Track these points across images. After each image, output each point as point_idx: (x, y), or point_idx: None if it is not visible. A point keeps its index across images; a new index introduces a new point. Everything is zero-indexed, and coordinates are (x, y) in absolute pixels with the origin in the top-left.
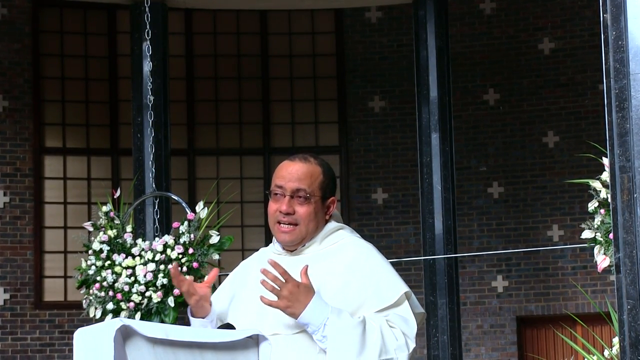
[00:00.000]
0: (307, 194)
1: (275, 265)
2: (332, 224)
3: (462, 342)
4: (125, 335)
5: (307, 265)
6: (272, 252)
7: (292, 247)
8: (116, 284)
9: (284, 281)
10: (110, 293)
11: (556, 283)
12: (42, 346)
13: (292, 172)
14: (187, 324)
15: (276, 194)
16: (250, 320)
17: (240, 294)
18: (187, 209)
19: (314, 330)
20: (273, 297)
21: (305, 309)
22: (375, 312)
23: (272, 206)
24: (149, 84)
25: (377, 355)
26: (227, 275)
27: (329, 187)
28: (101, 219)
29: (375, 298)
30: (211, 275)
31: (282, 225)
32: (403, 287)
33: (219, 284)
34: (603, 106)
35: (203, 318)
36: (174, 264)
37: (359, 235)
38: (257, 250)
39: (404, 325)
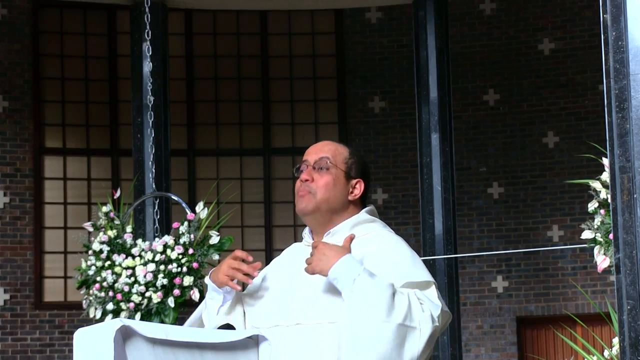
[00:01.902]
0: (329, 163)
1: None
2: (364, 215)
3: (462, 343)
4: (125, 335)
5: (354, 235)
6: (304, 244)
7: (311, 220)
8: (116, 285)
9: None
10: (110, 293)
11: (556, 283)
12: (42, 346)
13: (317, 146)
14: (185, 322)
15: (300, 168)
16: (275, 310)
17: (267, 284)
18: (187, 210)
19: (343, 286)
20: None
21: (336, 263)
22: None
23: (297, 183)
24: (149, 84)
25: (402, 319)
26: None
27: (354, 166)
28: (101, 220)
29: (399, 279)
30: (256, 264)
31: (301, 194)
32: (430, 277)
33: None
34: (603, 106)
35: (220, 288)
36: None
37: (391, 230)
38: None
39: (430, 304)
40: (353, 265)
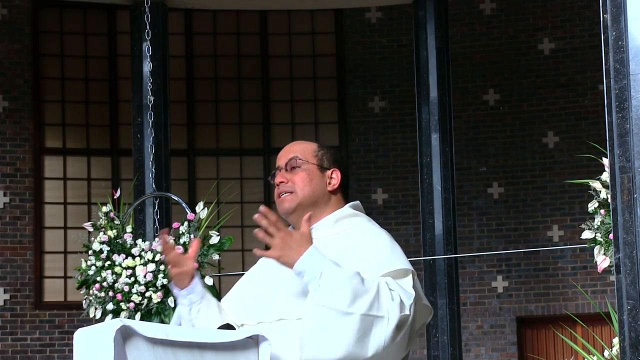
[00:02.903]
0: (298, 160)
1: (267, 212)
2: (347, 210)
3: (462, 343)
4: (125, 335)
5: (310, 214)
6: None
7: (295, 218)
8: (116, 285)
9: (277, 230)
10: (110, 293)
11: (556, 283)
12: (42, 346)
13: (285, 149)
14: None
15: (274, 174)
16: (258, 306)
17: (252, 282)
18: (187, 210)
19: (309, 280)
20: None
21: (301, 257)
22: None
23: (275, 190)
24: (149, 84)
25: (367, 309)
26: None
27: (325, 157)
28: (101, 219)
29: (373, 267)
30: (194, 246)
31: (281, 196)
32: (408, 266)
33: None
34: (603, 106)
35: (181, 289)
36: (164, 229)
37: (375, 224)
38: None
39: (402, 292)
40: (318, 258)
